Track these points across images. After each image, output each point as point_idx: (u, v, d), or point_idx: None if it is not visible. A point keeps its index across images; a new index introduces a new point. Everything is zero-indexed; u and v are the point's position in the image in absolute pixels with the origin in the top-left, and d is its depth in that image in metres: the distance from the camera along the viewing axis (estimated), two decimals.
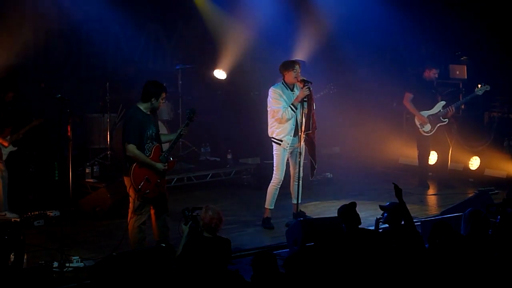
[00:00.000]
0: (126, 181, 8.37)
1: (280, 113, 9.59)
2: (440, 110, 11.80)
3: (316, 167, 10.04)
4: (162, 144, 8.58)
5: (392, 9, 13.05)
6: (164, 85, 8.55)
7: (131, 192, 8.35)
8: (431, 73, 11.83)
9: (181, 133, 8.60)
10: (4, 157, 10.03)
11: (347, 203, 7.27)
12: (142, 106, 8.40)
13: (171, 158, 8.53)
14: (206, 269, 6.91)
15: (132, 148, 8.24)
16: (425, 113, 11.84)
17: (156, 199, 8.47)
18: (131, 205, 8.39)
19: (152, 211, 8.51)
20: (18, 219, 9.80)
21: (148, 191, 8.29)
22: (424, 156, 12.21)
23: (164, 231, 8.58)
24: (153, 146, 8.36)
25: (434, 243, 6.74)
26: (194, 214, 7.43)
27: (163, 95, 8.44)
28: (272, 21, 12.94)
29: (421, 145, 12.14)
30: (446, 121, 11.81)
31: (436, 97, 11.92)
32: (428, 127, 11.85)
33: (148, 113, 8.41)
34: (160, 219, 8.54)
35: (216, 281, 6.79)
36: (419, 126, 11.92)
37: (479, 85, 11.66)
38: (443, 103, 11.83)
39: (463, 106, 12.70)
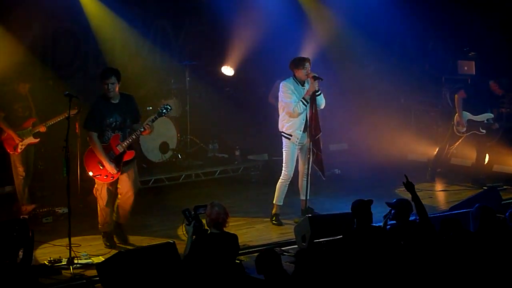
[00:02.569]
0: None
1: (292, 106, 9.58)
2: (483, 121, 11.74)
3: (324, 167, 10.02)
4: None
5: (400, 5, 13.01)
6: (108, 72, 8.73)
7: None
8: (496, 88, 11.66)
9: (144, 126, 8.69)
10: (20, 149, 9.99)
11: (363, 198, 7.25)
12: None
13: (125, 150, 8.71)
14: (216, 265, 6.92)
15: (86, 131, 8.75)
16: (468, 115, 11.77)
17: (113, 185, 8.80)
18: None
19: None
20: (27, 216, 9.82)
21: (99, 174, 8.67)
22: (443, 151, 12.20)
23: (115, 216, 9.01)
24: (112, 135, 8.65)
25: (443, 239, 6.72)
26: (197, 213, 7.42)
27: (102, 80, 8.64)
28: (280, 17, 12.90)
29: (447, 140, 12.12)
30: (484, 132, 11.75)
31: (487, 108, 11.79)
32: (463, 129, 11.81)
33: (114, 101, 8.64)
34: (115, 204, 8.97)
35: (225, 276, 6.80)
36: (455, 124, 11.89)
37: None
38: (491, 115, 11.74)
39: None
